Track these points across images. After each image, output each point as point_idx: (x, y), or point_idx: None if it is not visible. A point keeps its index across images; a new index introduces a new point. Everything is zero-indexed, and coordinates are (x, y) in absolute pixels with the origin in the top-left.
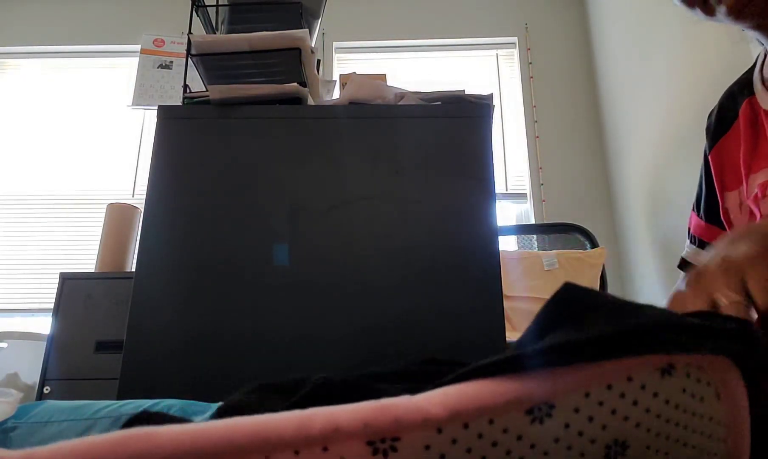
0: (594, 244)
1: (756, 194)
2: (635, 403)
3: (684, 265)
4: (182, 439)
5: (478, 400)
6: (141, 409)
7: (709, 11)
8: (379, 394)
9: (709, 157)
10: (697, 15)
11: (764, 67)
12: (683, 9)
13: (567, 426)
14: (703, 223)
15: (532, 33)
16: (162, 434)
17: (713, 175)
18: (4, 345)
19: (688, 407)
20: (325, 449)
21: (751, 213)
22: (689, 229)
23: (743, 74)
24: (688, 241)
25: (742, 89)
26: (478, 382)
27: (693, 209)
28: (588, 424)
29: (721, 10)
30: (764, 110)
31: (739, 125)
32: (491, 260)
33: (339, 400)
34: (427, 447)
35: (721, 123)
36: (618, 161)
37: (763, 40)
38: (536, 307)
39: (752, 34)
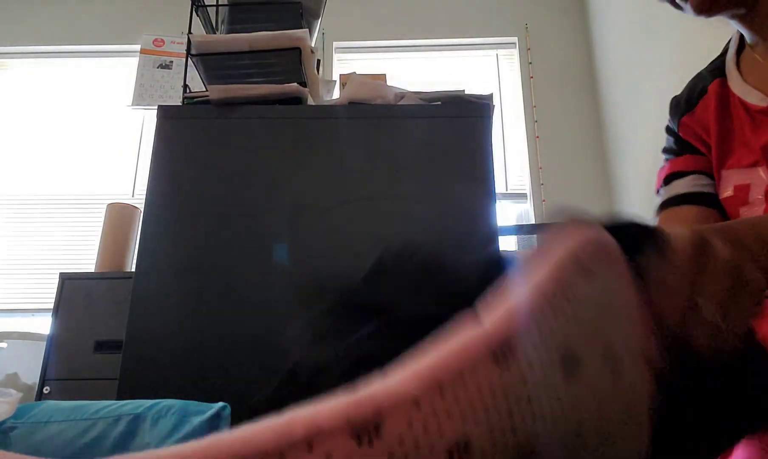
0: None
1: (731, 196)
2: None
3: (662, 208)
4: None
5: (449, 365)
6: (140, 409)
7: (676, 6)
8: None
9: (679, 133)
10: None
11: (742, 53)
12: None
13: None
14: (674, 161)
15: (532, 33)
16: None
17: (689, 142)
18: (4, 345)
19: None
20: (309, 449)
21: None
22: (658, 185)
23: (713, 61)
24: (658, 195)
25: (712, 71)
26: (445, 347)
27: (658, 180)
28: (547, 353)
29: (686, 7)
30: (738, 97)
31: (708, 100)
32: None
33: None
34: (410, 424)
35: (688, 101)
36: (618, 161)
37: (740, 28)
38: None
39: (732, 23)
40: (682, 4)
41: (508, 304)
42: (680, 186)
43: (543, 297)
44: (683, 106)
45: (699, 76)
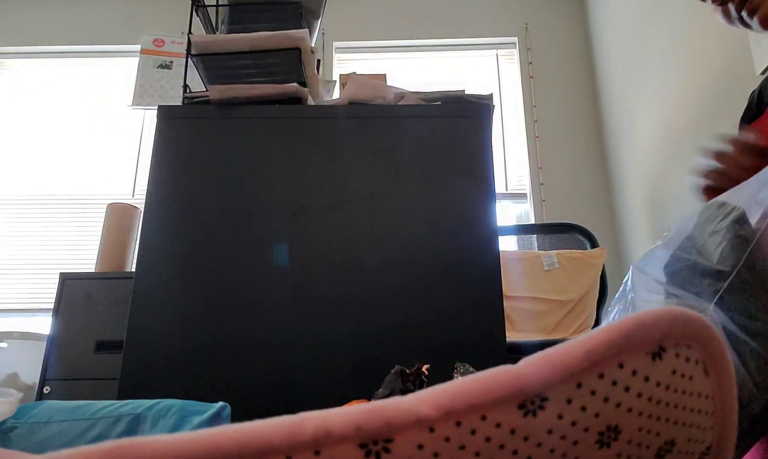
0: (594, 244)
1: None
2: (627, 389)
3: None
4: (171, 449)
5: (469, 398)
6: (140, 409)
7: (744, 23)
8: None
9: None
10: (731, 24)
11: None
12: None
13: (560, 417)
14: None
15: (532, 33)
16: (151, 444)
17: None
18: (4, 345)
19: (678, 387)
20: (317, 453)
21: None
22: None
23: None
24: None
25: None
26: (469, 379)
27: None
28: (581, 413)
29: (755, 22)
30: None
31: None
32: (491, 260)
33: None
34: (420, 446)
35: (759, 105)
36: (618, 161)
37: None
38: (536, 307)
39: None
40: (749, 21)
41: (552, 356)
42: None
43: (593, 363)
44: (755, 107)
45: None
